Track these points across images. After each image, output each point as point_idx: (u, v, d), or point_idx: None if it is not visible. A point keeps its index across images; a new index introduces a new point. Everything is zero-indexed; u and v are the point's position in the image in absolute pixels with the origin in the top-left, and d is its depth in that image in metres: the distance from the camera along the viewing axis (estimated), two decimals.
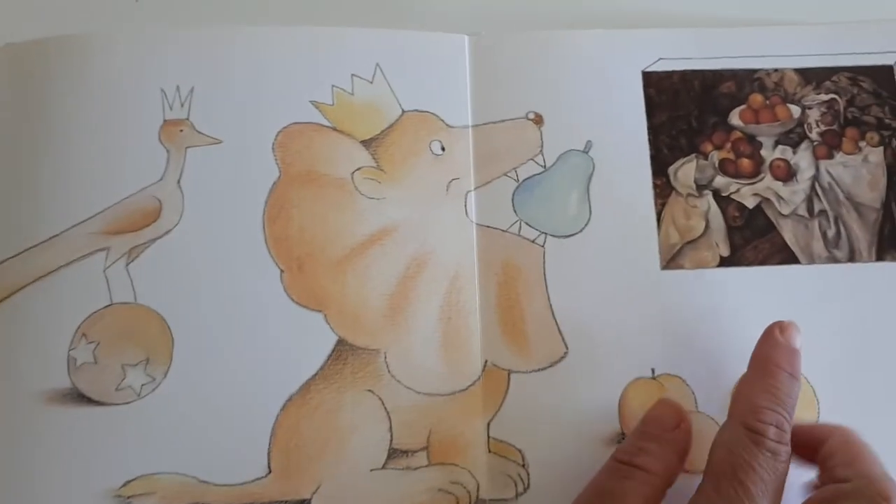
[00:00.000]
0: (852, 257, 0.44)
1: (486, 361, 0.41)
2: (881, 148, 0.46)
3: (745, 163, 0.45)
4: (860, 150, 0.46)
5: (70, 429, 0.39)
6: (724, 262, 0.43)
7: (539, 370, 0.41)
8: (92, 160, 0.43)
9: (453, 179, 0.44)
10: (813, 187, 0.45)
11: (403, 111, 0.45)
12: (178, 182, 0.42)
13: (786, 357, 0.37)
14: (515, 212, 0.43)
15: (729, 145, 0.45)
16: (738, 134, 0.46)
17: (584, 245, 0.43)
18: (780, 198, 0.45)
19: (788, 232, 0.44)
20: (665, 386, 0.41)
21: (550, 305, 0.42)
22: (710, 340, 0.42)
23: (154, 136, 0.43)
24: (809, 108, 0.46)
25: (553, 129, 0.45)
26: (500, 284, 0.42)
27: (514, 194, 0.44)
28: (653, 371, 0.41)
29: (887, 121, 0.46)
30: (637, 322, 0.42)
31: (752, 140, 0.46)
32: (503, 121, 0.45)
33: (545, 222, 0.43)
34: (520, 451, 0.40)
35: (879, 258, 0.44)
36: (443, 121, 0.45)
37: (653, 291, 0.43)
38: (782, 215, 0.44)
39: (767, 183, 0.45)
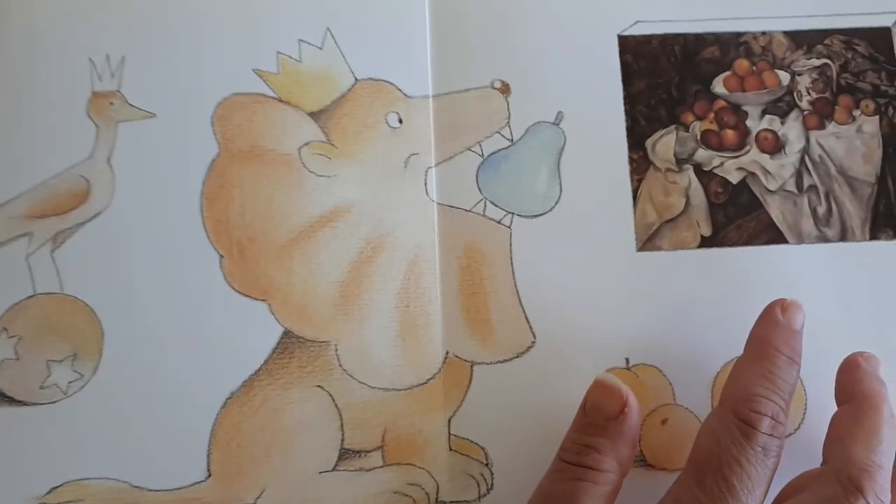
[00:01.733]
0: (844, 236, 0.41)
1: (447, 353, 0.39)
2: (877, 117, 0.42)
3: (730, 134, 0.42)
4: (854, 119, 0.42)
5: None
6: (705, 243, 0.41)
7: (504, 361, 0.39)
8: (12, 137, 0.40)
9: (412, 155, 0.41)
10: (802, 160, 0.42)
11: (356, 80, 0.41)
12: (109, 160, 0.39)
13: (785, 339, 0.35)
14: (480, 190, 0.41)
15: (712, 115, 0.42)
16: (721, 103, 0.42)
17: (554, 226, 0.40)
18: (766, 172, 0.41)
19: (775, 209, 0.41)
20: (640, 377, 0.39)
21: (517, 291, 0.39)
22: (690, 328, 0.39)
23: (81, 110, 0.40)
24: (799, 75, 0.43)
25: (521, 98, 0.42)
26: (462, 269, 0.40)
27: (478, 171, 0.41)
28: (627, 361, 0.39)
29: (884, 87, 0.43)
30: (610, 308, 0.40)
31: (736, 110, 0.42)
32: (466, 90, 0.42)
33: (512, 201, 0.40)
34: (483, 449, 0.38)
35: (873, 237, 0.41)
36: (400, 90, 0.41)
37: (628, 275, 0.40)
38: (769, 191, 0.41)
39: (753, 156, 0.42)
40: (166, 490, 0.36)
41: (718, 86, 0.43)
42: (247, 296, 0.38)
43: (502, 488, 0.37)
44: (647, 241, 0.40)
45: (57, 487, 0.36)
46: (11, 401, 0.37)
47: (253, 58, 0.41)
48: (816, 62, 0.43)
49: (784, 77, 0.43)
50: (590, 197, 0.41)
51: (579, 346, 0.39)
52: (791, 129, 0.42)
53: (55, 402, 0.37)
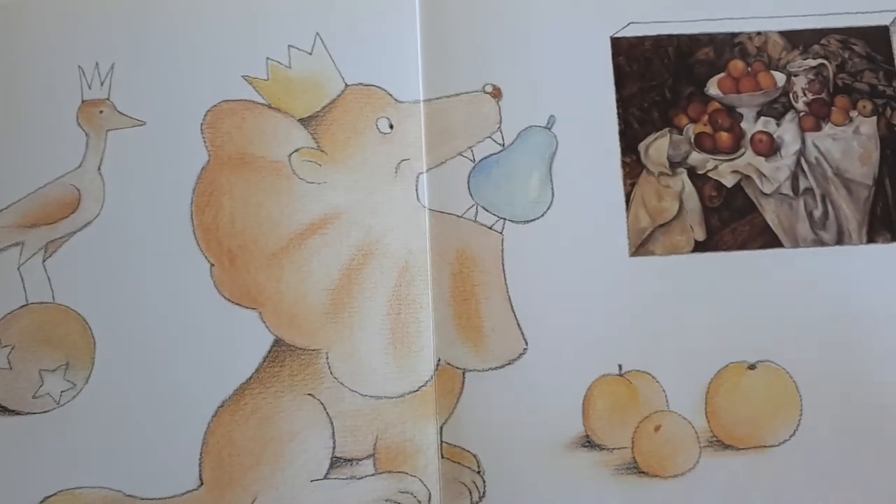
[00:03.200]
0: (840, 239, 0.40)
1: (438, 360, 0.39)
2: (874, 118, 0.42)
3: (724, 137, 0.41)
4: (851, 120, 0.42)
5: None
6: (699, 247, 0.40)
7: (496, 368, 0.39)
8: (2, 147, 0.40)
9: (403, 160, 0.40)
10: (798, 163, 0.41)
11: (347, 85, 0.41)
12: (99, 169, 0.39)
13: None
14: (471, 195, 0.40)
15: (706, 118, 0.42)
16: (716, 105, 0.42)
17: (546, 231, 0.40)
18: (761, 175, 0.41)
19: (771, 212, 0.41)
20: (633, 383, 0.39)
21: (509, 297, 0.39)
22: (683, 333, 0.39)
23: (71, 119, 0.40)
24: (795, 76, 0.42)
25: (512, 102, 0.41)
26: (454, 275, 0.39)
27: (469, 176, 0.41)
28: (620, 367, 0.39)
29: (881, 87, 0.42)
30: (603, 314, 0.39)
31: (731, 112, 0.42)
32: (457, 94, 0.41)
33: (504, 207, 0.40)
34: (475, 456, 0.38)
35: (870, 240, 0.40)
36: (391, 95, 0.41)
37: (620, 280, 0.40)
38: (764, 194, 0.41)
39: (748, 159, 0.41)
40: (159, 499, 0.37)
41: (713, 87, 0.42)
42: (237, 304, 0.38)
43: (495, 496, 0.37)
44: (640, 246, 0.40)
45: (50, 496, 0.37)
46: (4, 410, 0.37)
47: (243, 64, 0.41)
48: (813, 62, 0.42)
49: (780, 78, 0.42)
50: (582, 202, 0.40)
51: (572, 352, 0.39)
52: (787, 131, 0.42)
53: (48, 411, 0.37)
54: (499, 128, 0.41)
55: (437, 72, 0.41)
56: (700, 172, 0.41)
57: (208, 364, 0.38)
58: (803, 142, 0.41)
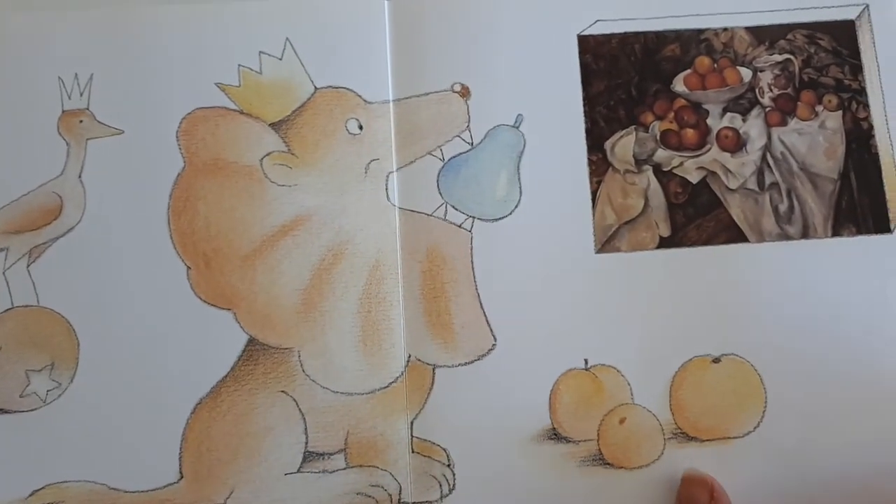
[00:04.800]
0: (806, 233, 0.40)
1: (409, 356, 0.39)
2: (839, 112, 0.42)
3: (690, 133, 0.41)
4: (817, 115, 0.42)
5: None
6: (664, 243, 0.41)
7: (465, 364, 0.39)
8: None
9: (372, 160, 0.41)
10: (764, 158, 0.41)
11: (316, 88, 0.42)
12: (80, 176, 0.40)
13: None
14: (441, 194, 0.41)
15: (672, 115, 0.42)
16: (682, 102, 0.42)
17: (514, 229, 0.40)
18: (727, 171, 0.41)
19: (736, 208, 0.41)
20: (599, 377, 0.39)
21: (478, 294, 0.40)
22: (648, 328, 0.40)
23: (53, 128, 0.41)
24: (761, 71, 0.42)
25: (481, 102, 0.41)
26: (424, 273, 0.40)
27: (439, 175, 0.41)
28: (586, 362, 0.39)
29: (847, 82, 0.42)
30: (570, 310, 0.40)
31: (697, 108, 0.42)
32: (426, 94, 0.42)
33: (472, 205, 0.41)
34: (445, 450, 0.39)
35: (836, 233, 0.40)
36: (360, 97, 0.41)
37: (586, 277, 0.40)
38: (730, 190, 0.41)
39: (714, 155, 0.41)
40: (141, 491, 0.38)
41: (679, 84, 0.42)
42: (213, 305, 0.39)
43: (464, 488, 0.38)
44: (606, 242, 0.40)
45: (39, 490, 0.38)
46: None
47: (215, 71, 0.41)
48: (779, 58, 0.42)
49: (746, 74, 0.42)
50: (549, 200, 0.41)
51: (539, 347, 0.39)
52: (752, 127, 0.41)
53: (35, 409, 0.39)
54: (467, 127, 0.41)
55: (406, 72, 0.42)
56: (665, 169, 0.41)
57: (186, 363, 0.39)
58: (769, 137, 0.41)
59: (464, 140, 0.41)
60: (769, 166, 0.41)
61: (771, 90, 0.42)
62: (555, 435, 0.39)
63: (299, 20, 0.42)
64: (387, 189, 0.41)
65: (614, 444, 0.39)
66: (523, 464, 0.38)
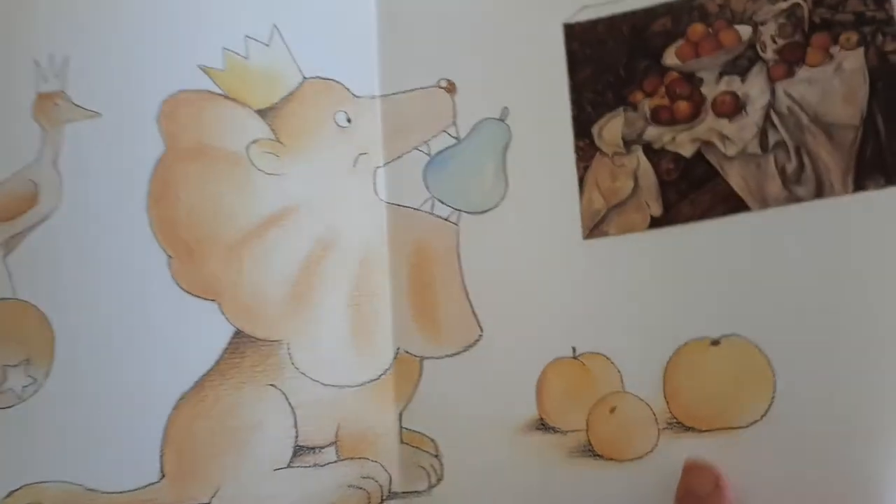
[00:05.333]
0: (820, 192, 0.37)
1: (397, 349, 0.39)
2: (861, 49, 0.38)
3: (682, 106, 0.39)
4: (831, 58, 0.38)
5: None
6: (655, 223, 0.39)
7: (453, 355, 0.39)
8: None
9: (360, 154, 0.41)
10: (767, 117, 0.38)
11: (305, 78, 0.41)
12: (55, 162, 0.39)
13: None
14: (427, 188, 0.41)
15: (663, 90, 0.40)
16: (673, 75, 0.40)
17: (501, 220, 0.40)
18: (724, 138, 0.39)
19: (735, 176, 0.38)
20: (587, 365, 0.39)
21: (465, 286, 0.40)
22: (640, 313, 0.38)
23: (27, 112, 0.39)
24: (763, 24, 0.39)
25: (467, 96, 0.42)
26: (412, 267, 0.40)
27: (425, 169, 0.41)
28: (574, 350, 0.39)
29: (869, 13, 0.38)
30: (557, 298, 0.39)
31: (690, 79, 0.40)
32: (413, 90, 0.42)
33: (459, 198, 0.41)
34: (433, 440, 0.39)
35: (858, 188, 0.36)
36: (348, 90, 0.41)
37: (574, 264, 0.39)
38: (727, 158, 0.38)
39: (709, 123, 0.39)
40: (120, 492, 0.37)
41: (670, 57, 0.40)
42: (196, 296, 0.38)
43: (452, 478, 0.38)
44: (594, 227, 0.39)
45: (15, 491, 0.36)
46: None
47: (199, 54, 0.40)
48: (784, 4, 0.39)
49: (744, 32, 0.39)
50: (536, 190, 0.40)
51: (525, 337, 0.39)
52: (753, 86, 0.39)
53: (10, 406, 0.37)
54: (454, 122, 0.41)
55: (393, 67, 0.42)
56: (656, 147, 0.40)
57: (168, 356, 0.38)
58: (773, 93, 0.39)
59: (450, 134, 0.41)
60: (773, 125, 0.38)
61: (774, 42, 0.39)
62: (542, 425, 0.39)
63: (287, 8, 0.42)
64: (374, 183, 0.41)
65: (604, 435, 0.38)
66: (511, 454, 0.38)
